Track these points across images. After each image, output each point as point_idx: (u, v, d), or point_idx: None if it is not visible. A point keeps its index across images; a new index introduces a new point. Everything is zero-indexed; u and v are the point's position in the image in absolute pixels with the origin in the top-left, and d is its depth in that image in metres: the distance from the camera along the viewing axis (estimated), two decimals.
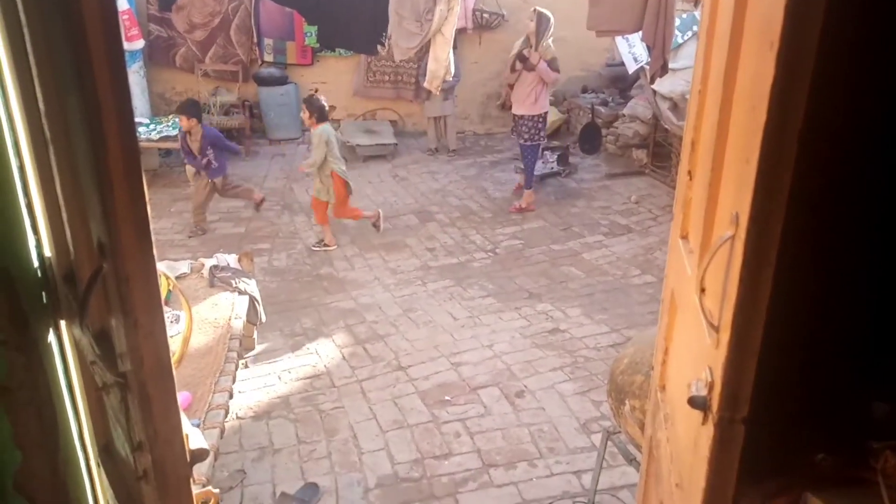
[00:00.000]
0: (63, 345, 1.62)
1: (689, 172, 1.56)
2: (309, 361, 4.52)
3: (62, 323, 1.59)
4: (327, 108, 6.15)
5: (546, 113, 6.79)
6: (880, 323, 1.16)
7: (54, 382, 1.61)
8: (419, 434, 3.80)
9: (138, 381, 1.01)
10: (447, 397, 4.11)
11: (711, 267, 1.22)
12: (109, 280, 1.00)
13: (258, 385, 4.26)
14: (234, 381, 3.50)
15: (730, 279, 1.05)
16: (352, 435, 3.80)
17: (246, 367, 4.43)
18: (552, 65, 6.45)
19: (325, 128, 6.06)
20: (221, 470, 3.52)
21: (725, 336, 1.06)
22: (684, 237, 1.58)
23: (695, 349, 1.28)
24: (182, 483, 1.10)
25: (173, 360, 1.03)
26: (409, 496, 3.36)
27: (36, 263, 1.53)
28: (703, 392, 1.14)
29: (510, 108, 7.00)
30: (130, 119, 0.97)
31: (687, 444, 1.29)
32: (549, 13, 6.47)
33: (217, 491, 1.41)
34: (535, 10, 6.46)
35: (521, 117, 6.75)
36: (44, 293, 1.54)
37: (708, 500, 1.14)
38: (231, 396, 3.41)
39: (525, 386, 4.18)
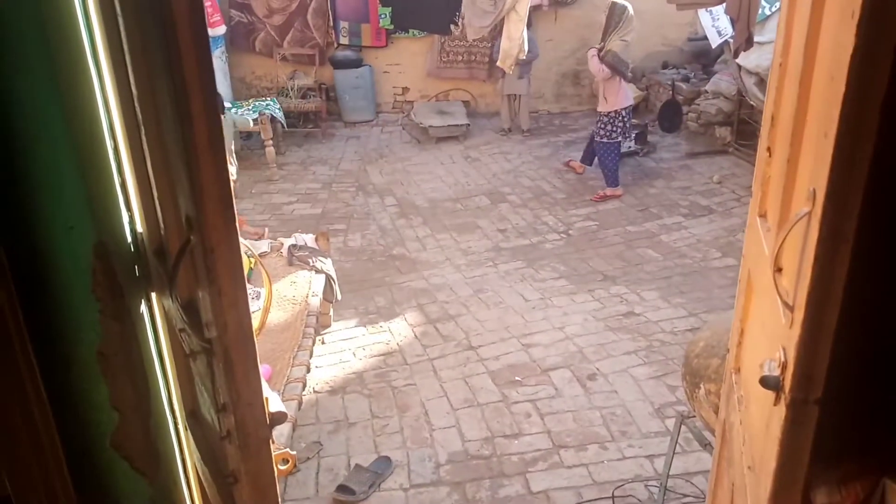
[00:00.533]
0: (154, 315, 1.74)
1: (769, 149, 1.51)
2: (382, 339, 4.62)
3: (153, 295, 1.71)
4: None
5: (618, 111, 6.46)
6: None
7: (146, 350, 1.73)
8: (489, 413, 3.83)
9: (222, 347, 1.08)
10: (517, 378, 4.12)
11: (788, 246, 1.18)
12: (197, 252, 1.07)
13: (334, 361, 4.40)
14: (311, 356, 3.64)
15: (805, 257, 1.01)
16: (423, 412, 3.88)
17: (322, 343, 4.58)
18: (606, 59, 6.19)
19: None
20: (299, 441, 3.67)
21: (800, 315, 1.03)
22: (762, 216, 1.53)
23: (769, 330, 1.24)
24: (262, 444, 1.17)
25: (255, 326, 1.09)
26: (479, 473, 3.41)
27: (129, 238, 1.65)
28: (776, 372, 1.11)
29: None
30: (214, 100, 1.03)
31: (760, 426, 1.26)
32: (624, 4, 6.12)
33: (294, 453, 1.49)
34: (610, 3, 6.19)
35: (598, 114, 6.64)
36: (136, 266, 1.66)
37: (779, 483, 1.12)
38: (308, 370, 3.56)
39: (597, 369, 4.14)
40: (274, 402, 1.21)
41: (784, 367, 1.09)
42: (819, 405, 1.06)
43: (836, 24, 1.00)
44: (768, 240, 1.37)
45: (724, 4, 5.15)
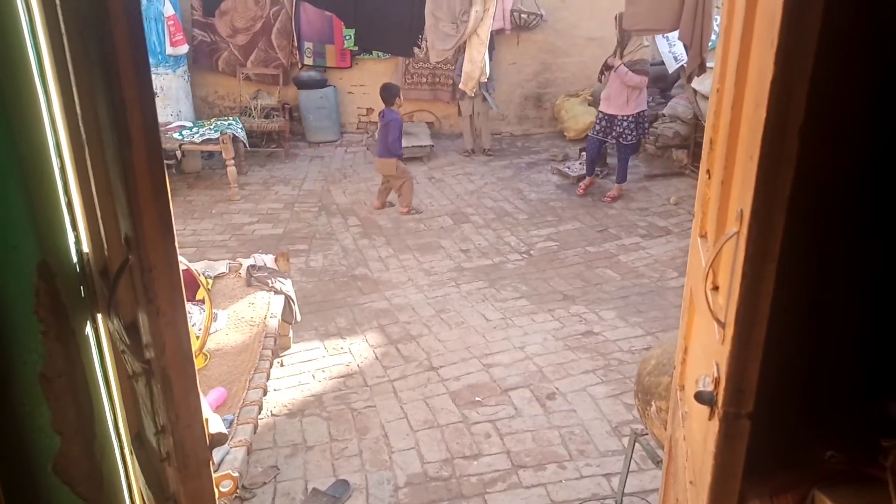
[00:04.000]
0: (100, 337, 1.71)
1: (708, 171, 1.56)
2: (342, 361, 4.59)
3: (99, 316, 1.68)
4: None
5: (639, 113, 6.94)
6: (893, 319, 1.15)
7: (91, 372, 1.69)
8: (449, 434, 3.82)
9: (161, 367, 1.07)
10: (478, 398, 4.13)
11: (723, 265, 1.22)
12: (136, 272, 1.06)
13: (293, 383, 4.35)
14: (268, 379, 3.59)
15: (734, 275, 1.05)
16: (383, 434, 3.86)
17: (281, 365, 4.53)
18: (635, 67, 6.59)
19: None
20: (255, 465, 3.60)
21: (730, 331, 1.06)
22: (703, 236, 1.58)
23: (706, 347, 1.28)
24: (202, 465, 1.16)
25: (195, 347, 1.08)
26: (438, 495, 3.39)
27: (75, 259, 1.62)
28: (710, 388, 1.14)
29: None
30: (153, 118, 1.03)
31: (699, 440, 1.29)
32: None
33: (237, 475, 1.46)
34: (616, 15, 6.66)
35: (614, 117, 6.94)
36: (82, 287, 1.63)
37: (714, 496, 1.15)
38: (265, 393, 3.50)
39: (556, 388, 4.17)
40: (214, 424, 1.20)
41: (717, 382, 1.12)
42: (751, 419, 1.09)
43: (760, 52, 1.06)
44: (706, 259, 1.42)
45: (678, 31, 5.31)
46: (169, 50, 8.10)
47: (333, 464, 3.64)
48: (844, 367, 1.13)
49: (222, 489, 1.35)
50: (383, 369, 4.48)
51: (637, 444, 2.65)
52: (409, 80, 9.20)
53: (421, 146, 8.59)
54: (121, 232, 1.10)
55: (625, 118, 6.88)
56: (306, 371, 4.48)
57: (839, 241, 1.05)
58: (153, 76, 8.03)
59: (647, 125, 7.18)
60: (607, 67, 6.88)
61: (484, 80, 5.99)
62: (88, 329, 1.67)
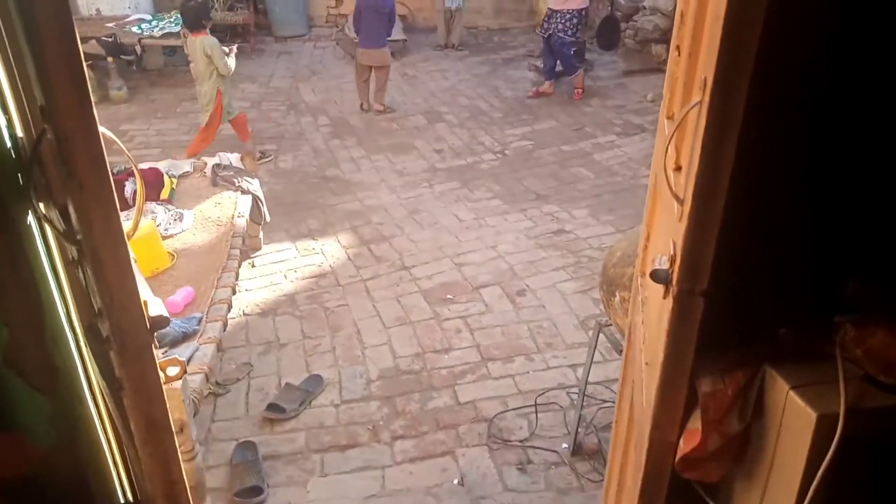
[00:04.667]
0: (43, 225, 1.63)
1: (678, 48, 1.48)
2: (314, 261, 4.56)
3: (41, 204, 1.60)
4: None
5: (577, 10, 6.65)
6: (854, 198, 1.12)
7: (36, 262, 1.63)
8: (421, 330, 3.87)
9: (91, 247, 1.01)
10: (449, 296, 4.16)
11: (685, 143, 1.17)
12: (53, 143, 0.98)
13: (265, 283, 4.33)
14: (236, 278, 3.56)
15: (695, 148, 1.00)
16: (355, 331, 3.89)
17: (252, 266, 4.49)
18: None
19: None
20: (229, 363, 3.64)
21: (688, 207, 1.03)
22: (670, 117, 1.52)
23: (665, 226, 1.25)
24: (143, 349, 1.13)
25: (129, 228, 1.03)
26: (409, 387, 3.46)
27: (9, 144, 1.52)
28: (666, 265, 1.12)
29: None
30: None
31: (655, 321, 1.28)
32: None
33: (183, 359, 1.45)
34: None
35: (555, 12, 6.67)
36: (20, 175, 1.54)
37: (666, 374, 1.15)
38: (234, 292, 3.48)
39: (527, 285, 4.21)
40: (154, 306, 1.16)
41: (673, 260, 1.10)
42: (704, 296, 1.07)
43: None
44: (668, 134, 1.36)
45: None
46: None
47: (307, 360, 3.68)
48: (802, 245, 1.10)
49: (170, 373, 1.33)
50: (356, 269, 4.47)
51: (601, 335, 2.69)
52: None
53: (393, 41, 8.21)
54: (36, 102, 1.01)
55: (558, 12, 6.64)
56: (278, 271, 4.45)
57: (805, 114, 1.00)
58: None
59: (582, 24, 6.84)
60: None
61: None
62: (31, 218, 1.59)
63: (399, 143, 6.27)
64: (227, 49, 5.44)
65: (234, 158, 4.47)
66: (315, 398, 3.40)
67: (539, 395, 3.27)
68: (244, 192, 4.20)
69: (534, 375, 3.47)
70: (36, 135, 0.98)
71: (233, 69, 5.44)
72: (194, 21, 5.33)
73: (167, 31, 7.03)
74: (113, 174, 4.07)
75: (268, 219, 4.49)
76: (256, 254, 4.59)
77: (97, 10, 7.63)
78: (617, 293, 2.34)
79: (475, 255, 4.57)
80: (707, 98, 0.95)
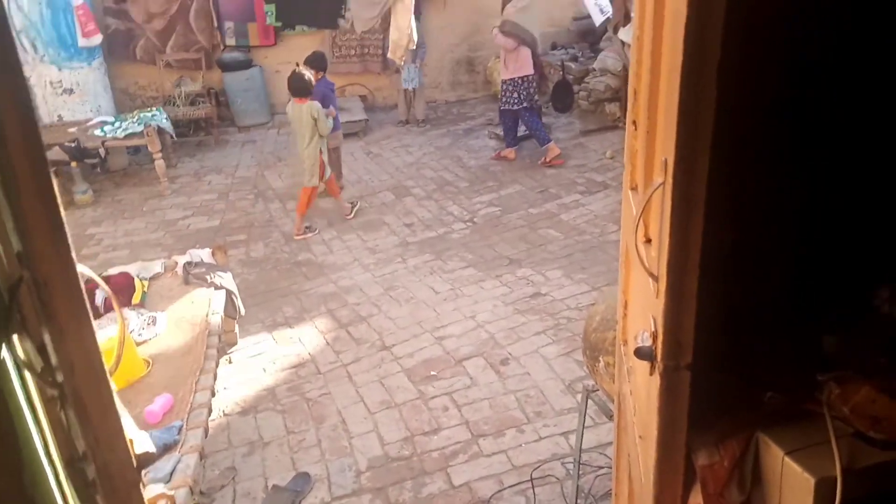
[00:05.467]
0: (18, 360, 1.59)
1: (634, 122, 1.54)
2: (293, 350, 4.50)
3: (15, 338, 1.56)
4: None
5: (518, 78, 6.82)
6: (823, 258, 1.15)
7: (11, 398, 1.58)
8: (407, 412, 3.80)
9: (72, 389, 0.98)
10: (433, 372, 4.11)
11: (653, 217, 1.20)
12: (31, 288, 0.97)
13: (243, 379, 4.24)
14: (215, 379, 3.48)
15: (663, 226, 1.03)
16: (340, 420, 3.80)
17: (230, 362, 4.40)
18: (503, 28, 6.55)
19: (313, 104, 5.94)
20: (212, 469, 3.51)
21: (663, 284, 1.04)
22: (633, 189, 1.56)
23: (643, 301, 1.27)
24: (131, 488, 1.09)
25: (110, 365, 1.00)
26: (400, 475, 3.37)
27: None
28: (649, 342, 1.13)
29: None
30: (32, 118, 0.92)
31: (643, 395, 1.28)
32: None
33: (172, 493, 1.39)
34: None
35: (503, 81, 6.93)
36: None
37: (662, 450, 1.14)
38: (213, 394, 3.39)
39: (509, 353, 4.19)
40: (140, 443, 1.12)
41: (655, 336, 1.11)
42: (690, 370, 1.08)
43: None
44: (636, 212, 1.40)
45: None
46: (81, 42, 7.66)
47: (292, 457, 3.57)
48: (777, 307, 1.12)
49: None
50: (335, 354, 4.41)
51: (590, 401, 2.67)
52: (338, 53, 8.96)
53: (355, 121, 8.41)
54: (13, 247, 1.00)
55: (504, 82, 6.88)
56: (256, 365, 4.37)
57: (763, 183, 1.03)
58: (66, 71, 7.67)
59: (532, 89, 6.97)
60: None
61: (412, 47, 5.85)
62: (5, 352, 1.55)
63: (369, 221, 6.32)
64: (325, 112, 5.96)
65: (205, 255, 4.44)
66: (304, 497, 3.28)
67: (534, 469, 3.21)
68: (217, 287, 4.16)
69: (526, 448, 3.41)
70: (14, 280, 0.97)
71: (330, 130, 6.01)
72: (302, 90, 5.81)
73: (130, 131, 7.08)
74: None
75: (242, 312, 4.44)
76: (233, 349, 4.51)
77: (59, 116, 7.69)
78: (601, 358, 2.34)
79: (455, 326, 4.56)
80: (669, 179, 0.98)
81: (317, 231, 6.18)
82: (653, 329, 1.10)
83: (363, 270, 5.46)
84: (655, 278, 1.08)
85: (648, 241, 1.26)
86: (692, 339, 1.05)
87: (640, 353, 1.13)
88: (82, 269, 0.96)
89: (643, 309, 1.25)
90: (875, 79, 1.05)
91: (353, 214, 6.24)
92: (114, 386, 1.04)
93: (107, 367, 0.99)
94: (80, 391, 0.99)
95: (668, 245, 1.00)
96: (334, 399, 3.97)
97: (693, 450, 1.14)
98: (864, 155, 1.13)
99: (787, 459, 1.06)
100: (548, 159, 7.02)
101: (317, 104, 5.85)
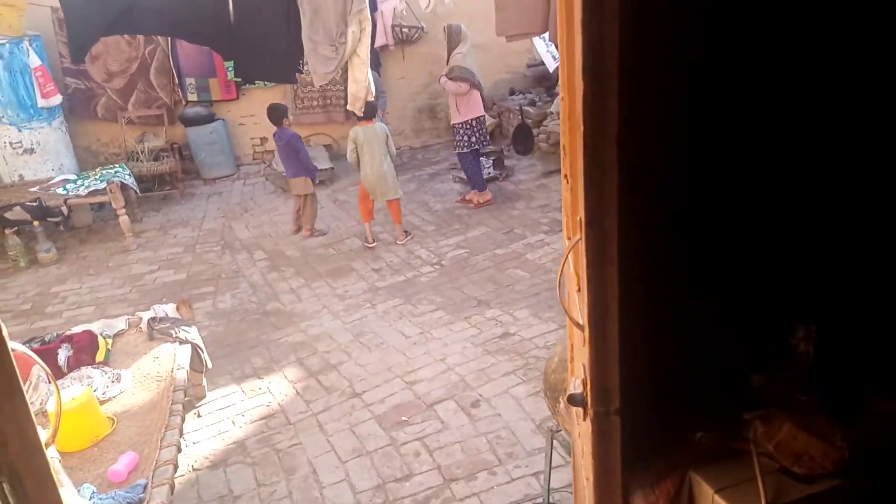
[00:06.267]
0: None
1: (566, 176, 1.61)
2: (262, 402, 4.46)
3: None
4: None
5: (472, 120, 6.99)
6: (744, 301, 1.22)
7: None
8: (379, 459, 3.78)
9: (7, 464, 0.99)
10: (404, 418, 4.10)
11: (581, 269, 1.26)
12: None
13: (212, 433, 4.19)
14: (181, 435, 3.43)
15: (582, 279, 1.09)
16: (311, 470, 3.77)
17: (198, 416, 4.35)
18: (451, 74, 6.72)
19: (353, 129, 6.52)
20: None
21: (587, 333, 1.10)
22: (570, 237, 1.63)
23: (576, 349, 1.32)
24: None
25: (48, 435, 1.01)
26: None
27: None
28: (580, 389, 1.18)
29: None
30: None
31: (584, 439, 1.32)
32: (458, 25, 6.78)
33: None
34: (444, 27, 6.83)
35: (452, 127, 7.04)
36: None
37: (599, 492, 1.18)
38: (180, 450, 3.35)
39: (480, 395, 4.20)
40: None
41: (585, 383, 1.16)
42: (620, 415, 1.13)
43: (575, 70, 1.10)
44: (561, 264, 1.46)
45: (548, 32, 5.48)
46: (41, 102, 7.67)
47: None
48: (703, 351, 1.18)
49: None
50: (305, 404, 4.39)
51: (554, 441, 2.70)
52: (300, 105, 9.10)
53: (322, 169, 8.47)
54: None
55: (456, 126, 7.06)
56: (225, 418, 4.32)
57: (672, 236, 1.10)
58: (26, 131, 7.66)
59: (485, 130, 7.17)
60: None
61: (370, 98, 5.98)
62: None
63: (337, 268, 6.34)
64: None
65: (169, 309, 4.42)
66: None
67: None
68: (182, 342, 4.13)
69: (499, 490, 3.41)
70: None
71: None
72: (371, 112, 6.34)
73: (93, 188, 7.06)
74: (45, 341, 3.92)
75: (209, 365, 4.40)
76: (201, 402, 4.46)
77: (20, 175, 7.64)
78: (561, 399, 2.38)
79: (425, 370, 4.57)
80: (584, 236, 1.05)
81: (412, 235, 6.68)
82: (583, 376, 1.15)
83: (332, 317, 5.46)
84: (581, 328, 1.14)
85: (580, 290, 1.32)
86: (618, 385, 1.10)
87: (572, 400, 1.17)
88: (14, 346, 0.98)
89: (576, 357, 1.31)
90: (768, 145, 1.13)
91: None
92: (56, 456, 1.05)
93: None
94: (16, 465, 1.00)
95: (587, 297, 1.06)
96: (305, 449, 3.94)
97: (630, 491, 1.18)
98: (772, 201, 1.21)
99: (716, 497, 1.11)
100: (474, 198, 7.24)
101: (385, 125, 6.58)
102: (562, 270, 1.21)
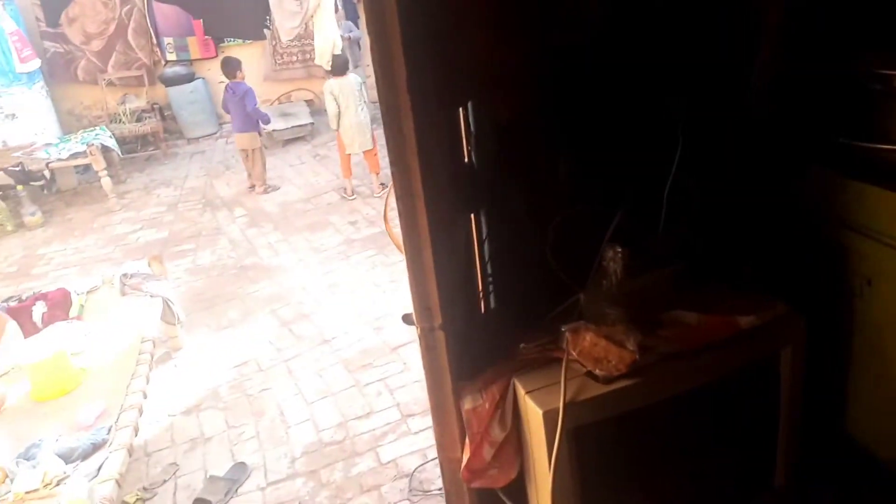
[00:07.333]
0: None
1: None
2: (236, 351, 4.66)
3: None
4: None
5: None
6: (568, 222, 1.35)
7: None
8: (343, 400, 3.98)
9: None
10: (369, 361, 4.29)
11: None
12: None
13: (187, 382, 4.39)
14: (147, 382, 3.62)
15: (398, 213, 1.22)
16: (279, 413, 3.97)
17: (175, 367, 4.56)
18: None
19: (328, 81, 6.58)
20: (155, 466, 3.68)
21: (406, 258, 1.23)
22: None
23: None
24: None
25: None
26: (332, 458, 3.55)
27: None
28: (411, 310, 1.32)
29: None
30: None
31: None
32: None
33: (92, 469, 1.53)
34: None
35: None
36: None
37: (434, 398, 1.33)
38: (145, 396, 3.54)
39: None
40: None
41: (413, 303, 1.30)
42: (444, 330, 1.27)
43: None
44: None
45: None
46: (19, 67, 7.73)
47: (232, 450, 3.74)
48: (525, 267, 1.31)
49: None
50: (277, 352, 4.58)
51: None
52: (280, 60, 9.08)
53: (301, 125, 8.55)
54: None
55: None
56: (201, 368, 4.52)
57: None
58: (7, 97, 7.73)
59: None
60: None
61: (337, 51, 6.01)
62: None
63: (315, 222, 6.48)
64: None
65: (141, 265, 4.59)
66: (241, 485, 3.45)
67: None
68: (153, 295, 4.31)
69: None
70: None
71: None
72: (343, 67, 6.45)
73: (73, 151, 7.18)
74: (21, 300, 4.10)
75: (181, 318, 4.59)
76: (177, 353, 4.67)
77: (3, 141, 7.76)
78: None
79: (393, 317, 4.73)
80: (392, 173, 1.17)
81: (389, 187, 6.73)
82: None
83: (307, 270, 5.62)
84: (402, 251, 1.27)
85: None
86: (438, 304, 1.24)
87: (406, 320, 1.32)
88: None
89: None
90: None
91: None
92: None
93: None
94: None
95: (401, 226, 1.19)
96: (274, 394, 4.14)
97: (460, 396, 1.33)
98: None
99: (527, 397, 1.25)
100: None
101: (358, 77, 6.63)
102: (387, 205, 1.33)
